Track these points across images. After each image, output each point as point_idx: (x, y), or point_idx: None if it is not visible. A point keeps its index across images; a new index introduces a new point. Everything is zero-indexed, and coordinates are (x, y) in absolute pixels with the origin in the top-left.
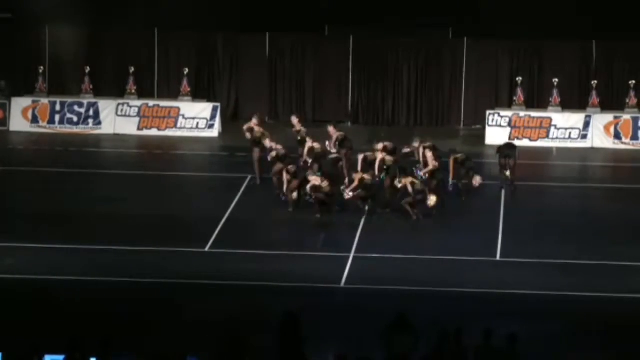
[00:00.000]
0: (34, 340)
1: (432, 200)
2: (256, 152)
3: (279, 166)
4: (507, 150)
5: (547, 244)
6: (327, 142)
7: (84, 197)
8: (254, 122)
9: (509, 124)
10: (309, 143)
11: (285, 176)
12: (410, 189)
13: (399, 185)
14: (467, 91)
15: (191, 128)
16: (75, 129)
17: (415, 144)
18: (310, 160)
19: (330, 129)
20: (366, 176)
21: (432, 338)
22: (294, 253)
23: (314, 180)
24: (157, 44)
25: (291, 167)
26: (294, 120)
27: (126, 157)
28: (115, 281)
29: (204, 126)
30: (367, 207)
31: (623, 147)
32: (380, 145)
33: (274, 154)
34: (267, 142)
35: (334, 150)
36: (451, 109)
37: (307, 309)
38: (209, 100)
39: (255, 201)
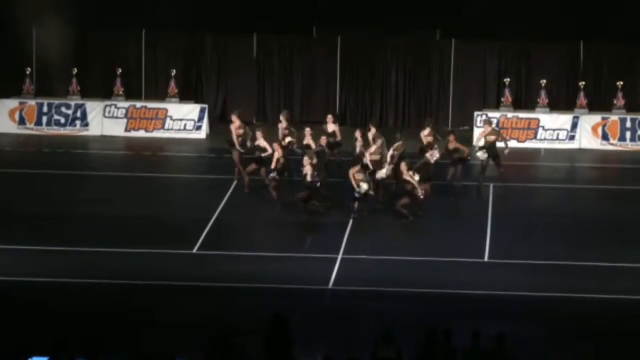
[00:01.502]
0: (19, 342)
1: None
2: (236, 154)
3: (255, 167)
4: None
5: (535, 245)
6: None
7: (71, 199)
8: (235, 120)
9: (497, 125)
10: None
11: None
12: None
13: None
14: (455, 92)
15: (179, 129)
16: (62, 131)
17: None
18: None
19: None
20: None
21: (420, 339)
22: (282, 254)
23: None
24: (144, 45)
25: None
26: (283, 117)
27: (113, 158)
28: (103, 283)
29: (191, 127)
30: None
31: (611, 148)
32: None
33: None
34: (262, 142)
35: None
36: (439, 110)
37: (296, 311)
38: (197, 101)
39: (243, 202)
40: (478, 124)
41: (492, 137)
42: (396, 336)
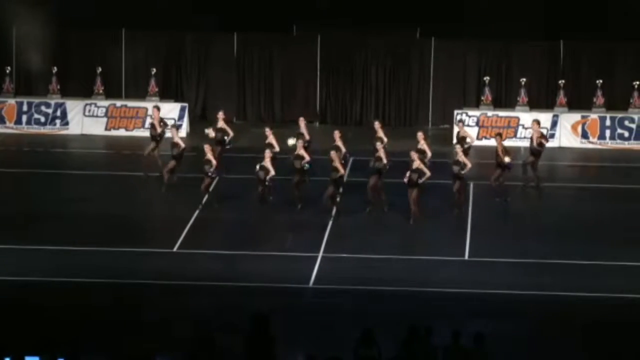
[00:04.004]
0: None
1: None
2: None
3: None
4: None
5: (515, 243)
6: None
7: (51, 198)
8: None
9: (477, 124)
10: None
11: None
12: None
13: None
14: (435, 91)
15: None
16: (42, 130)
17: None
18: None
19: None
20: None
21: (401, 337)
22: (263, 253)
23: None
24: (124, 44)
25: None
26: (220, 116)
27: (94, 157)
28: (83, 282)
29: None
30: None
31: (590, 146)
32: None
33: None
34: (176, 138)
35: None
36: (419, 109)
37: (276, 309)
38: (177, 100)
39: (224, 201)
40: (458, 123)
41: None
42: (376, 336)
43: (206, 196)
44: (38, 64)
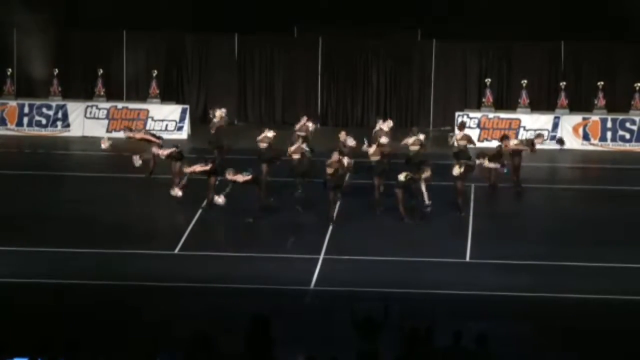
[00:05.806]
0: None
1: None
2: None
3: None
4: None
5: (515, 245)
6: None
7: (52, 200)
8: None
9: (478, 125)
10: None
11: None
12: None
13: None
14: (436, 93)
15: (160, 130)
16: (43, 132)
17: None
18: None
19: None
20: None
21: (402, 339)
22: (264, 255)
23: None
24: (125, 46)
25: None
26: (222, 112)
27: (95, 159)
28: (85, 284)
29: (173, 128)
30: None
31: (591, 148)
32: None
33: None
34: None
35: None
36: (420, 111)
37: (277, 311)
38: (178, 102)
39: (225, 203)
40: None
41: (462, 142)
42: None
43: (206, 199)
44: (39, 66)
